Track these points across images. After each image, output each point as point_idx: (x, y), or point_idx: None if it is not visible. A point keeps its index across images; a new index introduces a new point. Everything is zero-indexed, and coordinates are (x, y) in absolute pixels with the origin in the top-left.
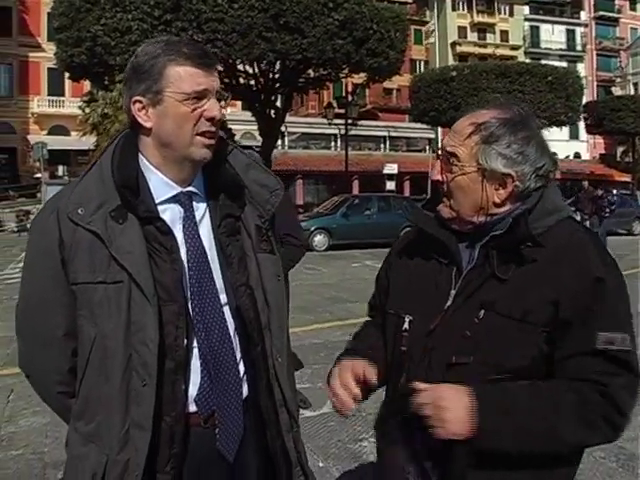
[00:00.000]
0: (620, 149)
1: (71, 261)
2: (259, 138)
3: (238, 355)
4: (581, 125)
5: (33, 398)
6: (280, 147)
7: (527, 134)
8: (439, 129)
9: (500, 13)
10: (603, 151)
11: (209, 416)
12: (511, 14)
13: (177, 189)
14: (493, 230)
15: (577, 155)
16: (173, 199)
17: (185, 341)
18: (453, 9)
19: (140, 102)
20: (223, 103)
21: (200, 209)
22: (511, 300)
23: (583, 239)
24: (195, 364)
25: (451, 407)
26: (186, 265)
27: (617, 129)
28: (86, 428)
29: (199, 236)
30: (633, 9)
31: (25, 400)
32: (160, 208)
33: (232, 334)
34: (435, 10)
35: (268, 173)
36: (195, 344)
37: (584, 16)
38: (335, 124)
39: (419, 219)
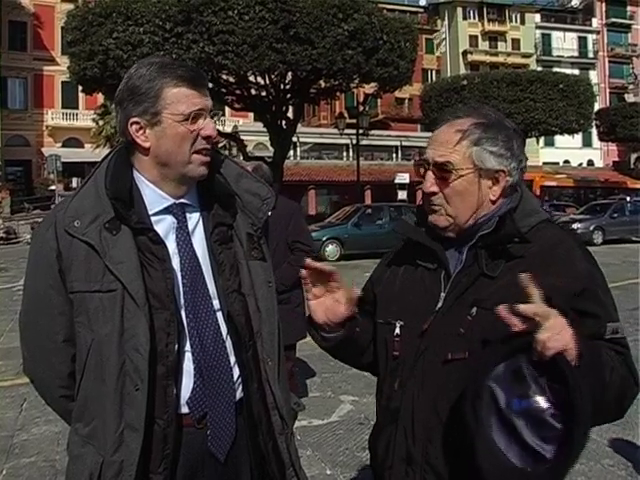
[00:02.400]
0: (634, 156)
1: (68, 271)
2: (271, 149)
3: (232, 359)
4: (594, 133)
5: (46, 407)
6: (292, 157)
7: (508, 132)
8: None
9: (511, 21)
10: (617, 158)
11: (201, 417)
12: (522, 22)
13: (170, 200)
14: (480, 231)
15: (590, 163)
16: (166, 210)
17: (176, 347)
18: (464, 18)
19: (137, 123)
20: (216, 119)
21: (193, 219)
22: (502, 296)
23: (567, 239)
24: (188, 367)
25: (562, 326)
26: (180, 273)
27: (630, 136)
28: (84, 430)
29: (192, 245)
30: None
31: (38, 409)
32: (154, 219)
33: (225, 338)
34: (446, 19)
35: (259, 182)
36: (188, 348)
37: (596, 23)
38: (347, 134)
39: (405, 229)
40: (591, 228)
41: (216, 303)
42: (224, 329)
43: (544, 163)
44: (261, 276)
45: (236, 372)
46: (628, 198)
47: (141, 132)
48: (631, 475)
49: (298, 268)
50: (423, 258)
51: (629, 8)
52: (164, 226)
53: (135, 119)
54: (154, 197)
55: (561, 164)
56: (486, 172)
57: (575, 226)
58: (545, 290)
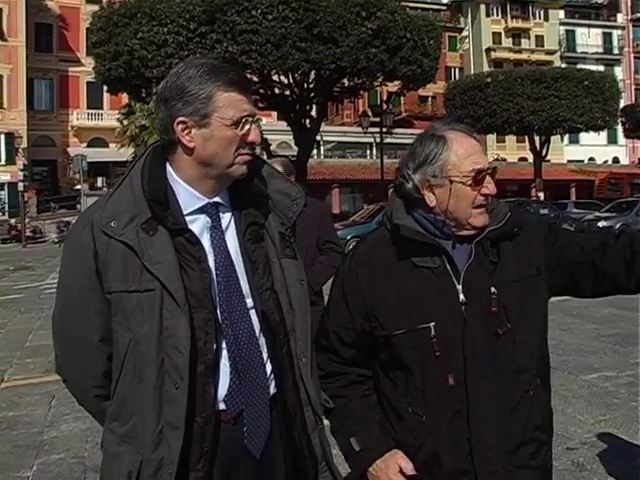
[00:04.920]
0: None
1: (105, 271)
2: (295, 147)
3: (265, 356)
4: (619, 129)
5: (74, 404)
6: (316, 156)
7: None
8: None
9: (535, 18)
10: None
11: (238, 414)
12: (546, 18)
13: (204, 200)
14: (489, 226)
15: (616, 160)
16: (200, 210)
17: (214, 345)
18: (487, 15)
19: (184, 123)
20: (258, 125)
21: (226, 218)
22: (509, 273)
23: (529, 216)
24: (224, 366)
25: None
26: (214, 272)
27: None
28: (122, 429)
29: (226, 244)
30: None
31: (67, 406)
32: (188, 219)
33: (259, 336)
34: (469, 16)
35: (290, 182)
36: (224, 346)
37: (621, 18)
38: (370, 132)
39: (410, 232)
40: (617, 226)
41: (249, 301)
42: (257, 327)
43: (569, 161)
44: (294, 274)
45: (269, 369)
46: None
47: (187, 132)
48: None
49: (331, 267)
50: (423, 258)
51: None
52: (198, 225)
53: (182, 118)
54: (188, 197)
55: (586, 161)
56: None
57: (601, 224)
58: (538, 255)
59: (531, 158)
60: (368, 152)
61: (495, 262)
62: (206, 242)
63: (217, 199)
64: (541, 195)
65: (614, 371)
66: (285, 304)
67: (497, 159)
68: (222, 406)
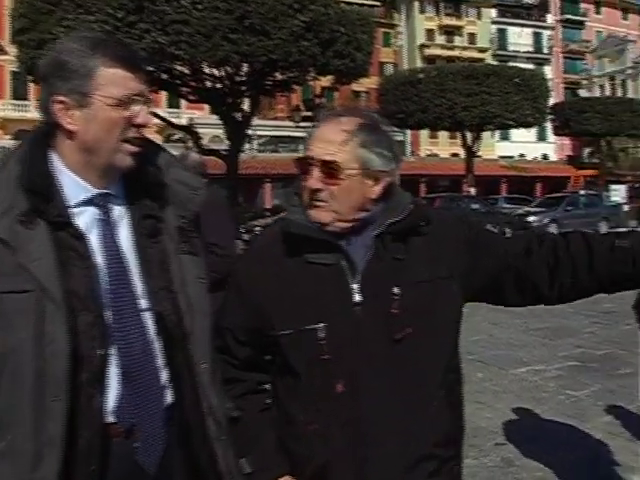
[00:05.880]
0: (587, 150)
1: None
2: (227, 142)
3: (160, 362)
4: (549, 127)
5: None
6: (248, 151)
7: (389, 135)
8: (407, 131)
9: (467, 16)
10: (570, 152)
11: (130, 428)
12: (478, 17)
13: (92, 191)
14: (384, 220)
15: (545, 157)
16: (88, 201)
17: (101, 352)
18: (421, 12)
19: (63, 102)
20: (148, 105)
21: (118, 211)
22: (415, 272)
23: (443, 212)
24: (114, 374)
25: None
26: (103, 270)
27: (583, 130)
28: None
29: (117, 239)
30: (598, 12)
31: None
32: (74, 211)
33: (153, 341)
34: (403, 13)
35: (190, 171)
36: (113, 353)
37: (550, 19)
38: (303, 127)
39: (301, 228)
40: (545, 221)
41: (143, 302)
42: (152, 330)
43: (500, 157)
44: (192, 272)
45: (165, 376)
46: (582, 192)
47: (66, 112)
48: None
49: (212, 274)
50: (317, 255)
51: (582, 5)
52: (86, 219)
53: (60, 97)
54: (74, 187)
55: (516, 157)
56: (371, 173)
57: (530, 219)
58: (452, 254)
59: (463, 154)
60: (301, 147)
61: (400, 259)
62: (94, 237)
63: (107, 190)
64: (472, 190)
65: (543, 364)
66: (183, 305)
67: (429, 155)
68: (111, 419)
